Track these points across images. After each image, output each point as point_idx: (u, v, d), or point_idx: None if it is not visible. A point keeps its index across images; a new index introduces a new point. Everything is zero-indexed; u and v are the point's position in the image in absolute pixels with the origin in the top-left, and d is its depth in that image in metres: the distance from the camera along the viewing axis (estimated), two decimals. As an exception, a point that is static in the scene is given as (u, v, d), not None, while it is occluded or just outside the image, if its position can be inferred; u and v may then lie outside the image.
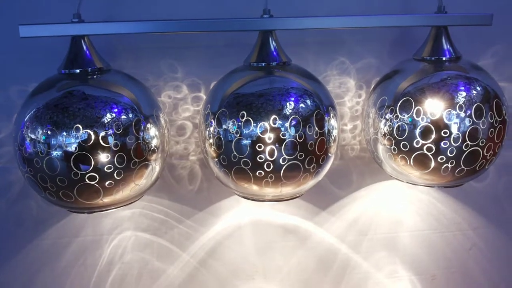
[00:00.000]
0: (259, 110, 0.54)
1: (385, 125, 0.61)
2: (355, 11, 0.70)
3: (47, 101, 0.53)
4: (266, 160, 0.54)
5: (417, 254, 0.83)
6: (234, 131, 0.54)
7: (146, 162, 0.56)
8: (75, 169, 0.51)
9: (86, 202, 0.54)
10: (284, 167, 0.54)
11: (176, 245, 0.77)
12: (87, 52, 0.57)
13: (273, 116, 0.53)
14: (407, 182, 0.66)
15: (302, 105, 0.55)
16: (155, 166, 0.58)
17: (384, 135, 0.61)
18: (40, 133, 0.52)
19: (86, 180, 0.52)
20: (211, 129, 0.57)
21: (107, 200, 0.55)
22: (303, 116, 0.54)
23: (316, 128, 0.55)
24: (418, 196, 0.81)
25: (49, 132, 0.51)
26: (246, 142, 0.54)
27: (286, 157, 0.54)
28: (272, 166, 0.54)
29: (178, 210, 0.76)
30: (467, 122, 0.56)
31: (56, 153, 0.51)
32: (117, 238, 0.76)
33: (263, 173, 0.55)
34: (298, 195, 0.62)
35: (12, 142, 0.56)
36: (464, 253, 0.84)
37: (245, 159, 0.54)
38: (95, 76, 0.57)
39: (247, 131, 0.54)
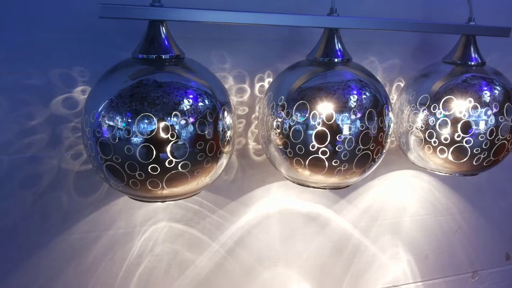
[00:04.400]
0: (335, 102, 0.57)
1: (423, 120, 0.68)
2: (384, 14, 0.76)
3: (125, 88, 0.51)
4: (345, 150, 0.58)
5: (415, 236, 0.93)
6: (316, 123, 0.57)
7: (223, 155, 0.57)
8: (170, 157, 0.50)
9: (165, 194, 0.53)
10: (358, 155, 0.59)
11: (207, 235, 0.78)
12: (165, 38, 0.55)
13: (352, 109, 0.57)
14: (430, 170, 0.75)
15: (372, 98, 0.59)
16: (222, 163, 0.58)
17: (425, 129, 0.68)
18: (126, 120, 0.50)
19: (179, 168, 0.51)
20: (281, 120, 0.59)
21: (183, 189, 0.55)
22: (375, 109, 0.59)
23: (385, 121, 0.60)
24: (420, 185, 0.90)
25: (141, 120, 0.50)
26: (324, 130, 0.57)
27: (361, 147, 0.58)
28: (348, 156, 0.58)
29: (212, 200, 0.76)
30: (500, 119, 0.65)
31: (151, 140, 0.50)
32: (150, 230, 0.74)
33: (338, 162, 0.58)
34: (350, 184, 0.66)
35: (85, 127, 0.53)
36: (451, 234, 0.96)
37: (324, 148, 0.58)
38: (172, 64, 0.56)
39: (327, 122, 0.57)
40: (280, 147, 0.61)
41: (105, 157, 0.51)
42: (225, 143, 0.56)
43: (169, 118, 0.50)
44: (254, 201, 0.79)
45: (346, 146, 0.58)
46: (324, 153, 0.58)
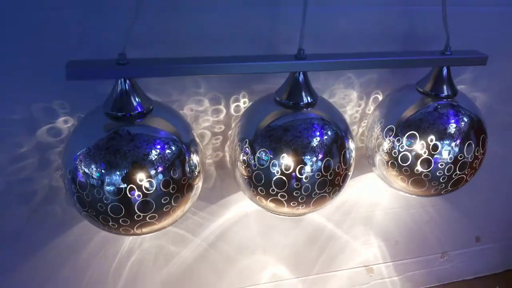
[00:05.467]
0: (294, 146, 0.61)
1: (389, 147, 0.71)
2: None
3: (96, 142, 0.56)
4: (302, 194, 0.63)
5: (386, 226, 1.01)
6: (275, 170, 0.61)
7: (194, 187, 0.62)
8: (138, 212, 0.57)
9: (144, 231, 0.61)
10: (314, 198, 0.64)
11: (190, 232, 0.86)
12: (134, 95, 0.58)
13: (307, 155, 0.61)
14: (394, 189, 0.79)
15: (330, 143, 0.63)
16: (198, 186, 0.64)
17: (389, 156, 0.71)
18: (96, 173, 0.55)
19: (147, 219, 0.58)
20: (247, 157, 0.63)
21: (158, 227, 0.62)
22: (334, 151, 0.63)
23: (342, 164, 0.64)
24: (394, 183, 0.95)
25: (110, 175, 0.55)
26: (283, 179, 0.62)
27: (317, 191, 0.63)
28: (305, 199, 0.63)
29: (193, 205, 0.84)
30: (459, 157, 0.68)
31: (120, 200, 0.56)
32: (137, 231, 0.83)
33: (296, 203, 0.64)
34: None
35: (66, 183, 0.58)
36: (423, 224, 1.03)
37: (283, 193, 0.63)
38: (140, 119, 0.59)
39: (284, 169, 0.61)
40: (245, 178, 0.66)
41: (82, 208, 0.58)
42: (194, 179, 0.62)
43: (136, 177, 0.55)
44: (233, 204, 0.86)
45: (303, 191, 0.62)
46: (282, 196, 0.63)
